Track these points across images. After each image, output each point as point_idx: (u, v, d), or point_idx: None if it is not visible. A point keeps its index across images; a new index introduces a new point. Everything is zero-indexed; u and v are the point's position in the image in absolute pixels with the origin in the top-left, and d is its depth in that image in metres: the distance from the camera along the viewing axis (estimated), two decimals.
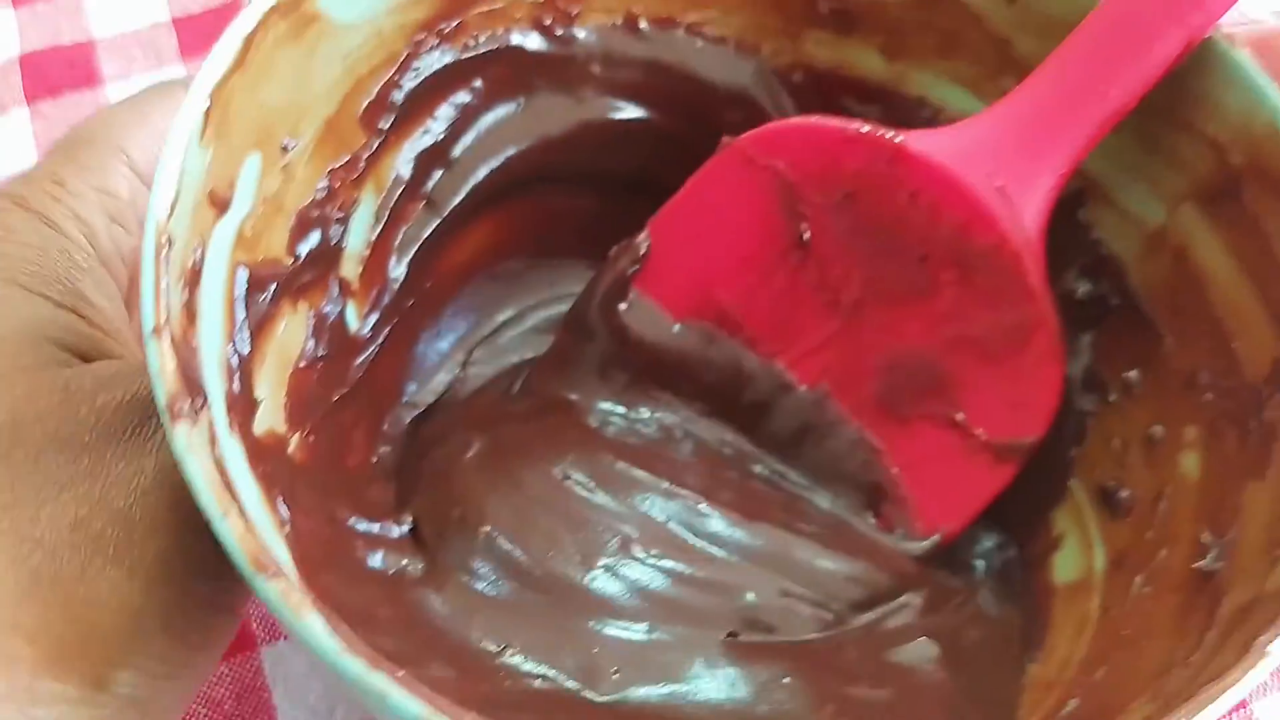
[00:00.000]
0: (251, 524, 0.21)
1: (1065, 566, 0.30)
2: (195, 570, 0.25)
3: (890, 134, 0.29)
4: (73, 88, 0.51)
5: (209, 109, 0.24)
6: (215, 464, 0.21)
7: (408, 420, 0.32)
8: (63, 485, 0.24)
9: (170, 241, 0.22)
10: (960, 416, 0.30)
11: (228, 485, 0.22)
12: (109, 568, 0.24)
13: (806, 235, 0.30)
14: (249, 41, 0.25)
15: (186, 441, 0.20)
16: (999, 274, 0.28)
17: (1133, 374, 0.30)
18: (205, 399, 0.22)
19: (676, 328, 0.32)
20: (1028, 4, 0.30)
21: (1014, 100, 0.28)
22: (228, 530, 0.19)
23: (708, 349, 0.32)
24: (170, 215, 0.22)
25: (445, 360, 0.34)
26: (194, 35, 0.52)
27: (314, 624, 0.19)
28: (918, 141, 0.29)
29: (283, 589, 0.19)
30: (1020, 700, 0.28)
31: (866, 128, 0.29)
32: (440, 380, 0.34)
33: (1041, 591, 0.30)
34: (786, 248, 0.30)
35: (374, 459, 0.31)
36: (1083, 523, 0.30)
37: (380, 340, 0.31)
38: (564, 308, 0.34)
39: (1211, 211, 0.28)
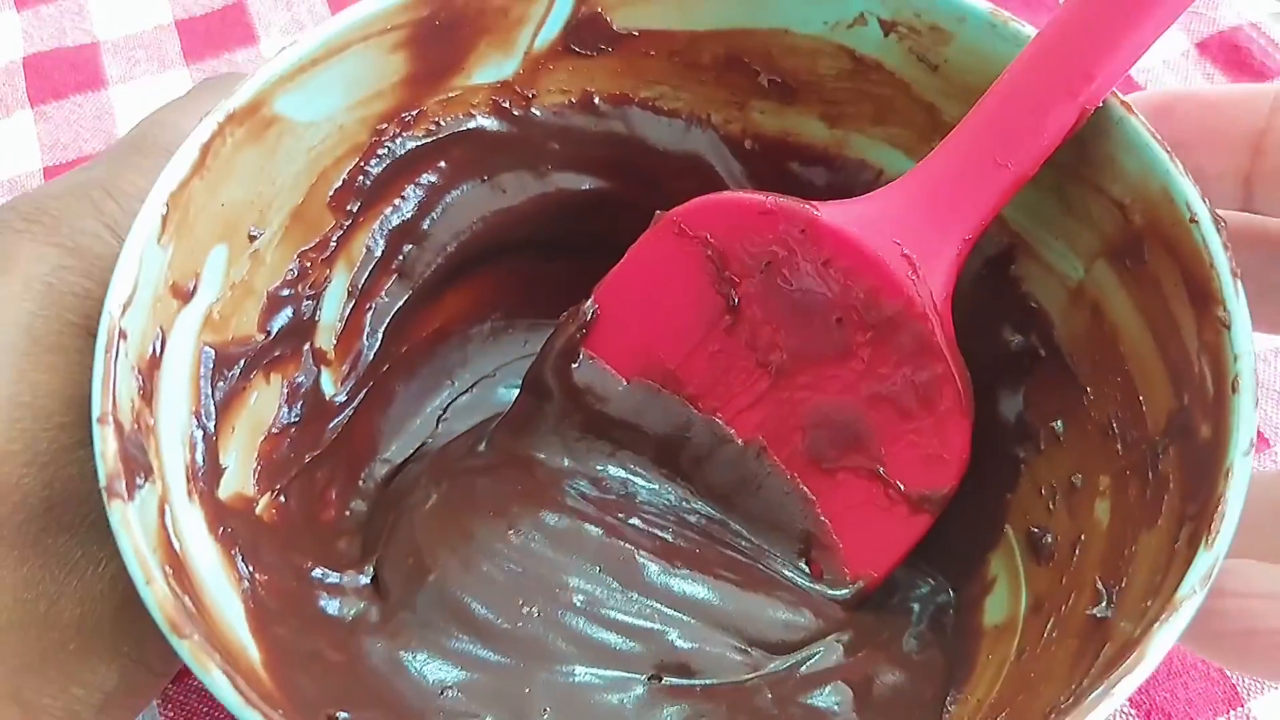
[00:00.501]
0: (185, 582, 0.24)
1: (995, 609, 0.32)
2: (158, 653, 0.28)
3: (804, 205, 0.31)
4: (76, 90, 0.52)
5: (166, 214, 0.27)
6: (162, 531, 0.24)
7: (382, 475, 0.35)
8: (82, 569, 0.27)
9: (123, 335, 0.25)
10: (881, 469, 0.32)
11: (174, 550, 0.25)
12: (103, 653, 0.28)
13: (736, 300, 0.32)
14: (205, 149, 0.28)
15: (121, 518, 0.23)
16: (907, 335, 0.30)
17: (1058, 423, 0.32)
18: (149, 475, 0.25)
19: (624, 386, 0.34)
20: (948, 73, 0.32)
21: (920, 172, 0.30)
22: (150, 595, 0.22)
23: (653, 405, 0.34)
24: (124, 312, 0.25)
25: (420, 419, 0.37)
26: (196, 37, 0.54)
27: (219, 680, 0.21)
28: (830, 212, 0.31)
29: (193, 648, 0.22)
30: None
31: (783, 200, 0.31)
32: (415, 437, 0.37)
33: (972, 634, 0.32)
34: (719, 312, 0.33)
35: (347, 513, 0.34)
36: (1013, 566, 0.32)
37: (355, 403, 0.34)
38: None
39: (1120, 269, 0.29)
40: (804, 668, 0.31)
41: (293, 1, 0.55)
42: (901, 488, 0.32)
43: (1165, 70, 0.48)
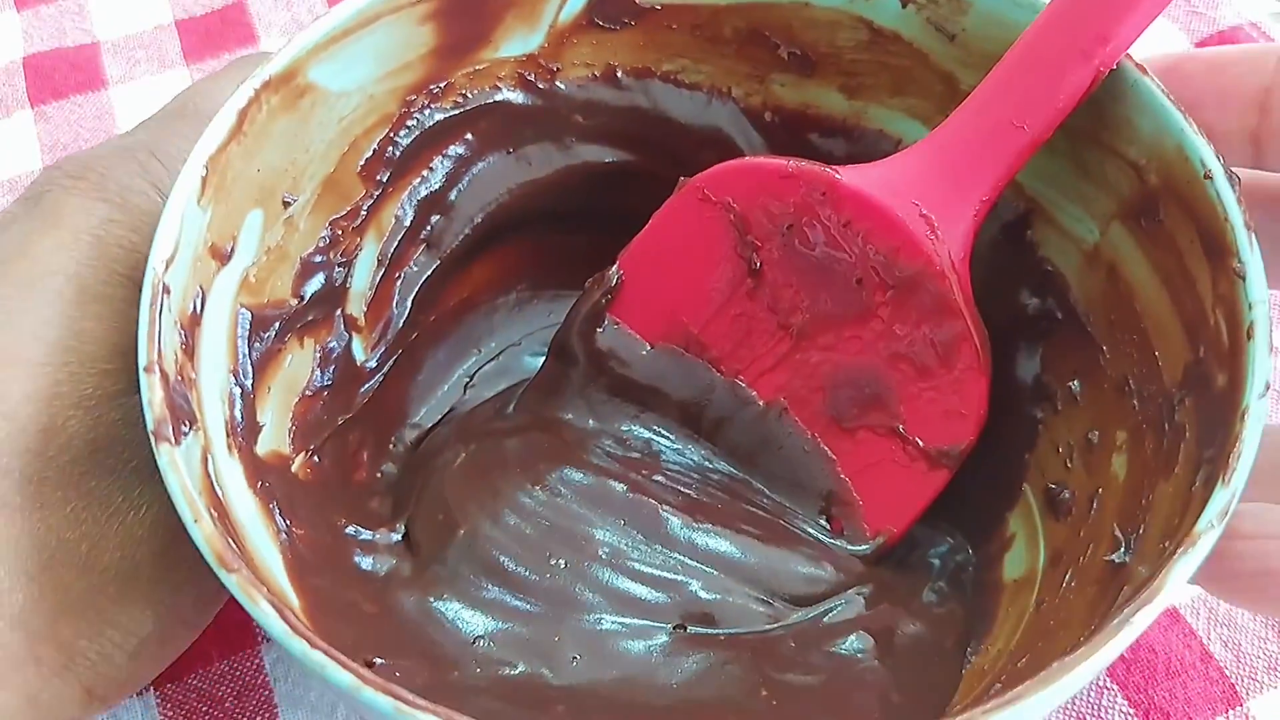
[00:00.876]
0: (229, 526, 0.24)
1: (1014, 564, 0.32)
2: (192, 602, 0.29)
3: (824, 169, 0.31)
4: (76, 90, 0.52)
5: (205, 176, 0.27)
6: (205, 479, 0.25)
7: (411, 439, 0.36)
8: (123, 513, 0.28)
9: (167, 290, 0.26)
10: (900, 426, 0.32)
11: (217, 496, 0.25)
12: (140, 598, 0.28)
13: (758, 264, 0.33)
14: (243, 115, 0.28)
15: (169, 460, 0.24)
16: (926, 293, 0.31)
17: (1075, 383, 0.32)
18: (194, 424, 0.25)
19: (647, 350, 0.35)
20: (966, 42, 0.32)
21: (939, 135, 0.31)
22: (198, 532, 0.23)
23: (677, 369, 0.34)
24: (167, 268, 0.26)
25: (448, 385, 0.38)
26: (197, 37, 0.54)
27: (266, 610, 0.22)
28: (850, 175, 0.31)
29: (241, 581, 0.22)
30: (958, 689, 0.30)
31: (804, 164, 0.32)
32: (443, 403, 0.37)
33: (991, 588, 0.32)
34: (741, 276, 0.33)
35: (378, 475, 0.35)
36: (1031, 523, 0.32)
37: (385, 369, 0.35)
38: None
39: (1135, 229, 0.30)
40: (826, 618, 0.32)
41: (293, 1, 0.56)
42: (920, 444, 0.32)
43: None
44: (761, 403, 0.34)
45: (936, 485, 0.32)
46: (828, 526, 0.34)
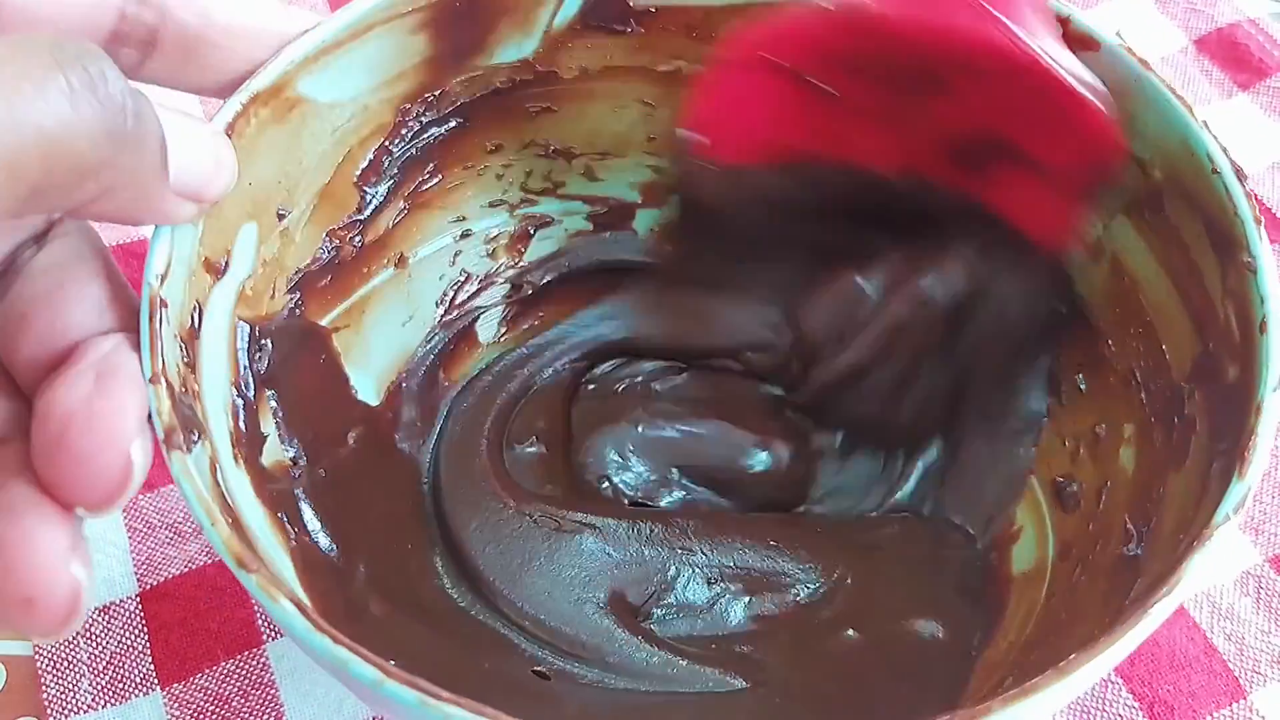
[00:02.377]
0: (242, 531, 0.24)
1: (1022, 557, 0.32)
2: None
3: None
4: None
5: None
6: (216, 487, 0.25)
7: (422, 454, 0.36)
8: None
9: (164, 303, 0.25)
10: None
11: (228, 503, 0.25)
12: None
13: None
14: (230, 129, 0.28)
15: (181, 467, 0.23)
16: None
17: (1081, 376, 0.32)
18: (202, 434, 0.25)
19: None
20: None
21: None
22: (216, 536, 0.23)
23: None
24: (162, 283, 0.25)
25: (454, 395, 0.37)
26: None
27: (288, 608, 0.22)
28: None
29: (261, 581, 0.22)
30: (967, 681, 0.30)
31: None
32: (448, 412, 0.37)
33: (999, 582, 0.32)
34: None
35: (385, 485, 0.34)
36: (1040, 516, 0.33)
37: None
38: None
39: (1139, 222, 0.30)
40: (826, 611, 0.32)
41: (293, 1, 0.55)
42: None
43: (1164, 67, 0.49)
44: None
45: None
46: None
